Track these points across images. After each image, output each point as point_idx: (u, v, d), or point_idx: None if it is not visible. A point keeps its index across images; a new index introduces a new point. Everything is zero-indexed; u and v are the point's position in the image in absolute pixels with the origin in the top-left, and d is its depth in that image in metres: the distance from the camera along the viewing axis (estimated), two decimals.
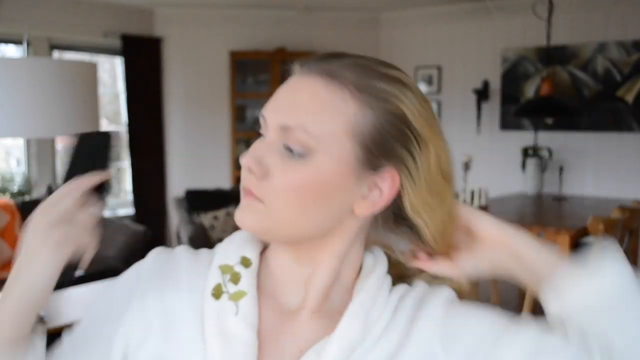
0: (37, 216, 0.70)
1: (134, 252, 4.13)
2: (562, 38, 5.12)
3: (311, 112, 0.69)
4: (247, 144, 5.60)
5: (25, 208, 4.37)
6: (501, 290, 4.96)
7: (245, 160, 0.71)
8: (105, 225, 4.63)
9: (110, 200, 5.57)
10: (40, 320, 0.72)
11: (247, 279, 0.76)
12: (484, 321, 0.73)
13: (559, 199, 4.83)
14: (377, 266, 0.78)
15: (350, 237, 0.75)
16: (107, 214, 5.36)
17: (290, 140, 0.69)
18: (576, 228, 3.66)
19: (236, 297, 0.74)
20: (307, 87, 0.71)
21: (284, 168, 0.69)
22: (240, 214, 0.72)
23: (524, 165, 5.20)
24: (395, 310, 0.74)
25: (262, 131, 0.74)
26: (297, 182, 0.69)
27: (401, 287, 0.78)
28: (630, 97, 5.00)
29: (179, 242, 5.15)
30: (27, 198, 4.58)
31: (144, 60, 5.49)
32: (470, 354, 0.71)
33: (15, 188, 4.74)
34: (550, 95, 4.62)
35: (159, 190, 5.69)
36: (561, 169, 4.93)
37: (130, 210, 5.57)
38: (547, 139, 5.33)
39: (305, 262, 0.76)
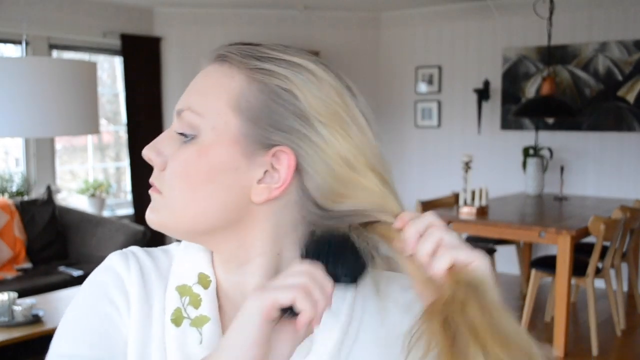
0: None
1: None
2: (563, 37, 5.11)
3: (197, 92, 0.70)
4: None
5: (24, 208, 4.36)
6: (502, 290, 4.94)
7: (144, 151, 0.70)
8: (105, 225, 4.63)
9: (110, 200, 5.56)
10: None
11: (208, 301, 0.71)
12: None
13: (560, 199, 4.81)
14: None
15: (267, 230, 0.69)
16: (106, 214, 5.35)
17: (182, 124, 0.69)
18: (577, 228, 3.64)
19: (198, 323, 0.70)
20: (202, 73, 0.72)
21: (175, 154, 0.69)
22: (147, 212, 0.71)
23: (524, 165, 5.19)
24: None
25: None
26: (183, 163, 0.68)
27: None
28: (631, 97, 4.99)
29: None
30: (25, 198, 4.56)
31: (143, 60, 5.47)
32: None
33: (14, 188, 4.72)
34: (551, 95, 4.61)
35: None
36: (562, 169, 4.92)
37: (130, 210, 5.56)
38: (548, 138, 5.32)
39: (234, 268, 0.72)
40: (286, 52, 0.70)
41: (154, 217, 0.71)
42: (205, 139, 0.67)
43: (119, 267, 0.73)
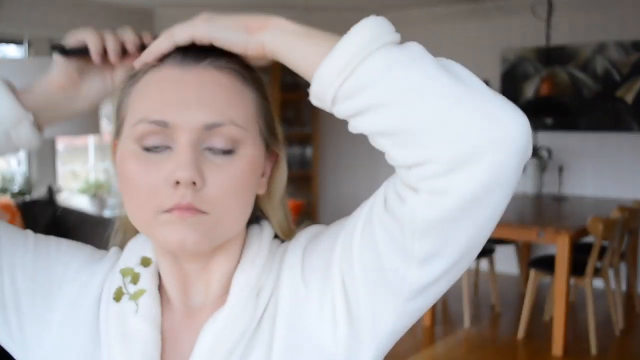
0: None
1: None
2: (561, 38, 5.13)
3: (232, 104, 0.66)
4: None
5: (26, 208, 4.37)
6: (501, 290, 4.96)
7: (188, 175, 0.62)
8: (106, 225, 4.63)
9: (112, 200, 5.58)
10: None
11: (147, 277, 0.74)
12: (328, 236, 0.70)
13: (559, 199, 4.84)
14: (263, 234, 0.74)
15: (244, 224, 0.74)
16: (108, 214, 5.36)
17: (217, 138, 0.64)
18: (576, 228, 3.66)
19: (136, 296, 0.73)
20: (206, 80, 0.66)
21: (217, 170, 0.64)
22: (181, 233, 0.64)
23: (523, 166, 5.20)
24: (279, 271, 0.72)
25: (156, 142, 0.65)
26: (236, 180, 0.65)
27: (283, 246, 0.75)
28: (629, 98, 5.02)
29: None
30: (27, 198, 4.58)
31: None
32: (325, 274, 0.67)
33: (15, 188, 4.74)
34: (550, 96, 4.63)
35: None
36: (561, 169, 4.94)
37: None
38: (547, 139, 5.34)
39: (205, 258, 0.72)
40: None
41: (196, 238, 0.64)
42: (249, 152, 0.67)
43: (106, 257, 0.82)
